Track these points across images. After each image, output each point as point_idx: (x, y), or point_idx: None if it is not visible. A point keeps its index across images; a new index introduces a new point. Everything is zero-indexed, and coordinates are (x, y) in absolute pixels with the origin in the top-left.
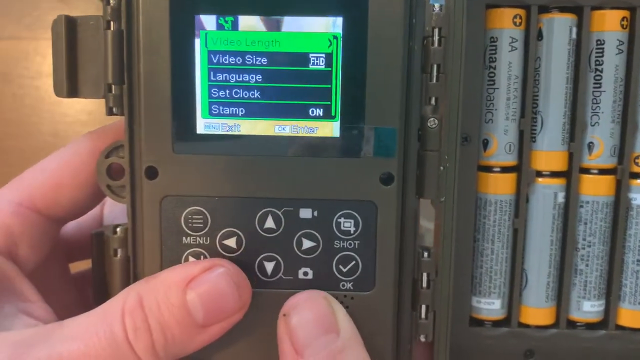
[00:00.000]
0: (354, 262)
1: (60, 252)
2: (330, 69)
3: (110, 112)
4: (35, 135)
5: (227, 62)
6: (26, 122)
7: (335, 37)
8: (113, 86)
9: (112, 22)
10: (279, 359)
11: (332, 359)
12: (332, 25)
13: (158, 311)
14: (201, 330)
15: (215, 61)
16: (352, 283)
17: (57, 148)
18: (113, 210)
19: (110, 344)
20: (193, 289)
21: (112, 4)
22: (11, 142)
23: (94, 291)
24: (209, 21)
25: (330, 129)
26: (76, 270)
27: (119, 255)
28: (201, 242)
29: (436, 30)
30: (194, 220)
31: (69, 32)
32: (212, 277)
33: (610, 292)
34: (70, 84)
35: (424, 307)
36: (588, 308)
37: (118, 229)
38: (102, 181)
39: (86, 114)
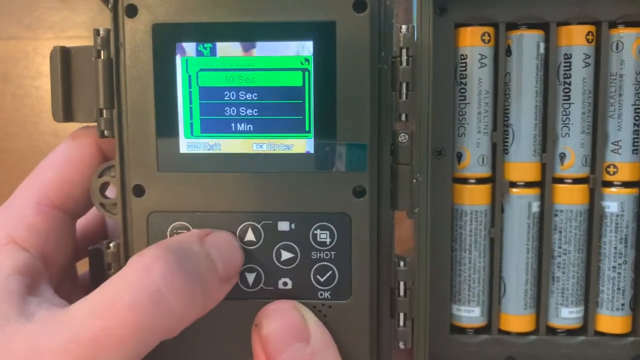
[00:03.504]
0: (330, 272)
1: None
2: (303, 90)
3: (102, 135)
4: (35, 135)
5: (206, 85)
6: (26, 122)
7: (307, 60)
8: (104, 111)
9: (102, 51)
10: None
11: None
12: (303, 49)
13: (186, 259)
14: (220, 286)
15: (195, 85)
16: (329, 292)
17: None
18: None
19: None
20: (209, 241)
21: (101, 35)
22: (11, 142)
23: None
24: (189, 48)
25: (305, 145)
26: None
27: (112, 269)
28: None
29: (404, 51)
30: (179, 234)
31: (64, 61)
32: (221, 233)
33: (588, 298)
34: (65, 109)
35: (402, 315)
36: (566, 315)
37: (111, 245)
38: (95, 199)
39: None
